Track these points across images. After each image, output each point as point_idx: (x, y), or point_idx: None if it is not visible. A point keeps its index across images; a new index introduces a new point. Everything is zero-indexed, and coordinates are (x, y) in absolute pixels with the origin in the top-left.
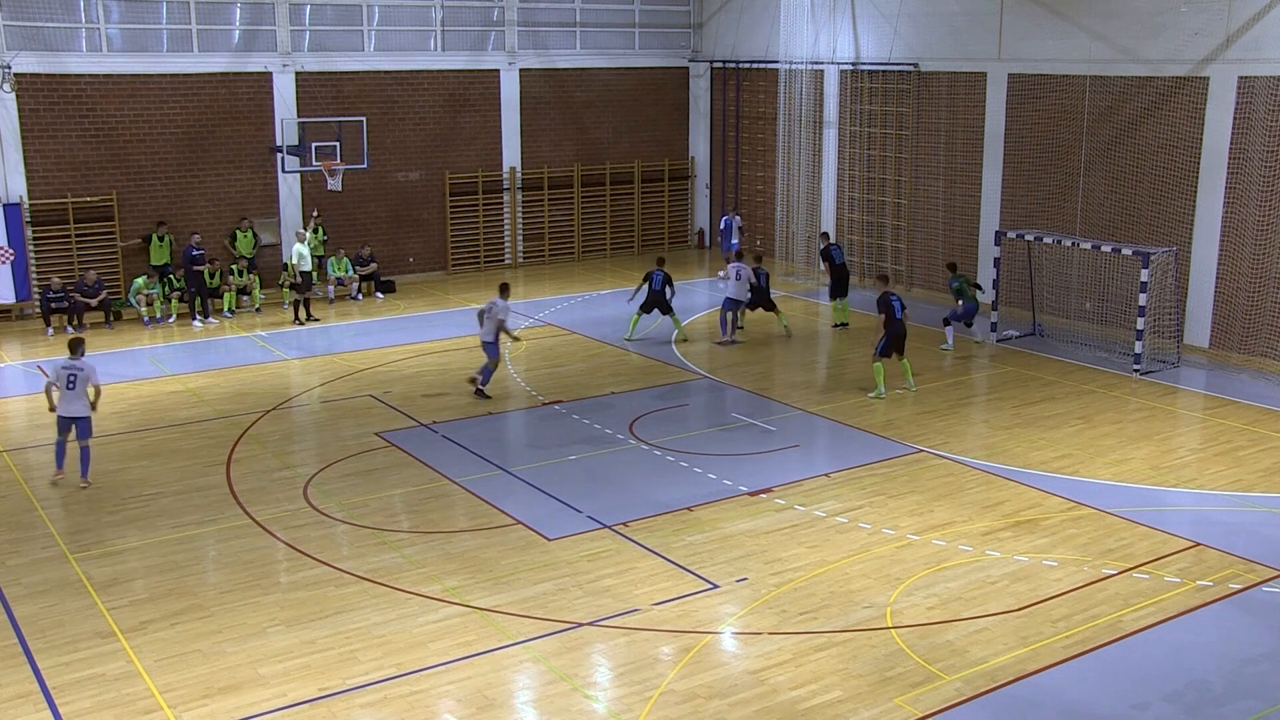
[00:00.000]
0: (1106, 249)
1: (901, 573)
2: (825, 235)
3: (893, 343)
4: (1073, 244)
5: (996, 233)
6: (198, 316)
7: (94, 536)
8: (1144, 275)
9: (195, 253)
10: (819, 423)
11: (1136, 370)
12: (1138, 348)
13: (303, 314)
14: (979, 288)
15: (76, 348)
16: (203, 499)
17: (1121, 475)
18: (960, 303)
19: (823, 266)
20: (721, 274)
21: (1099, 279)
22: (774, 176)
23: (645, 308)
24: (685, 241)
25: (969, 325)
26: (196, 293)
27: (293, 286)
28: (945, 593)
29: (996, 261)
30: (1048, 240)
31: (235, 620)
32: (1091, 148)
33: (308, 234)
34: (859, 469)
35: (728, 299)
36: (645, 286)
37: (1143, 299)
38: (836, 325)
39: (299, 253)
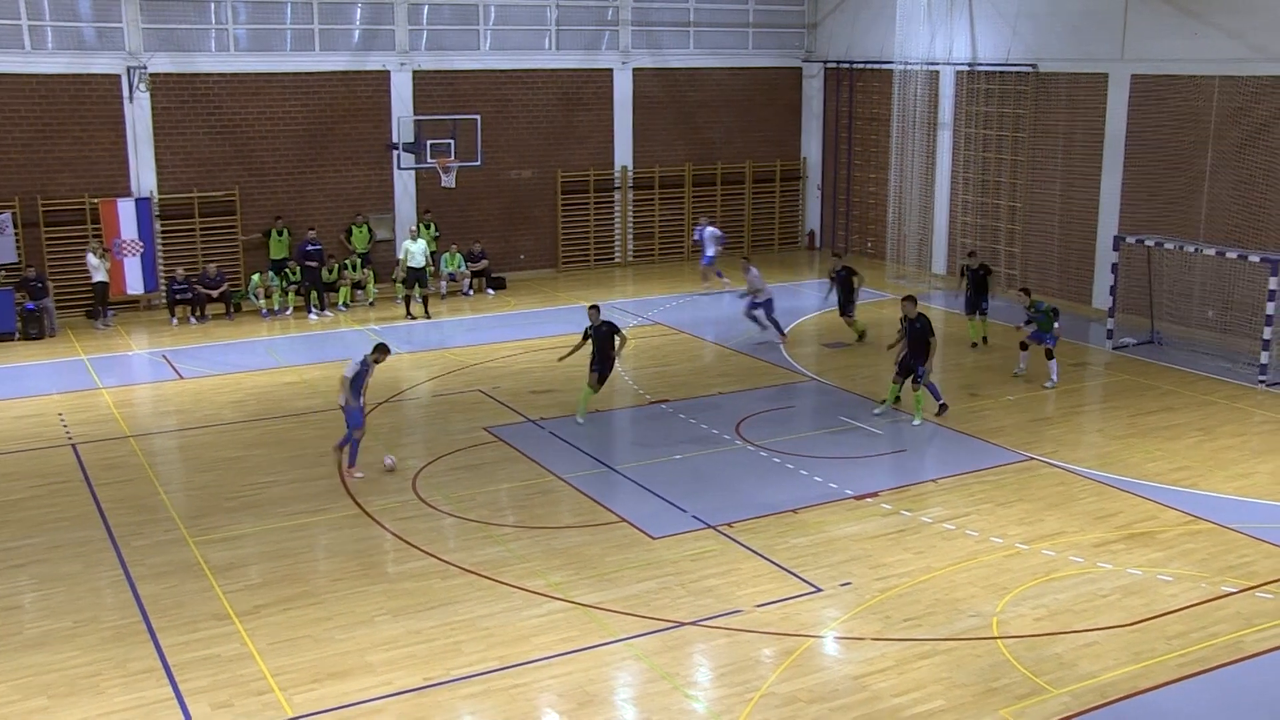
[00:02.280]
0: (1232, 255)
1: (1009, 582)
2: (973, 254)
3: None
4: (1195, 250)
5: (1115, 237)
6: (313, 309)
7: (212, 521)
8: (1272, 283)
9: (309, 248)
10: (927, 427)
11: (1262, 382)
12: (1264, 358)
13: (418, 310)
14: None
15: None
16: (314, 488)
17: (1244, 490)
18: (1036, 328)
19: (963, 284)
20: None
21: (1222, 286)
22: (886, 178)
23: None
24: (796, 243)
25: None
26: (312, 286)
27: (402, 282)
28: (1054, 604)
29: (1114, 267)
30: (1169, 246)
31: (344, 608)
32: (1219, 151)
33: (419, 230)
34: (967, 475)
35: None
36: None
37: (1270, 308)
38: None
39: (407, 249)
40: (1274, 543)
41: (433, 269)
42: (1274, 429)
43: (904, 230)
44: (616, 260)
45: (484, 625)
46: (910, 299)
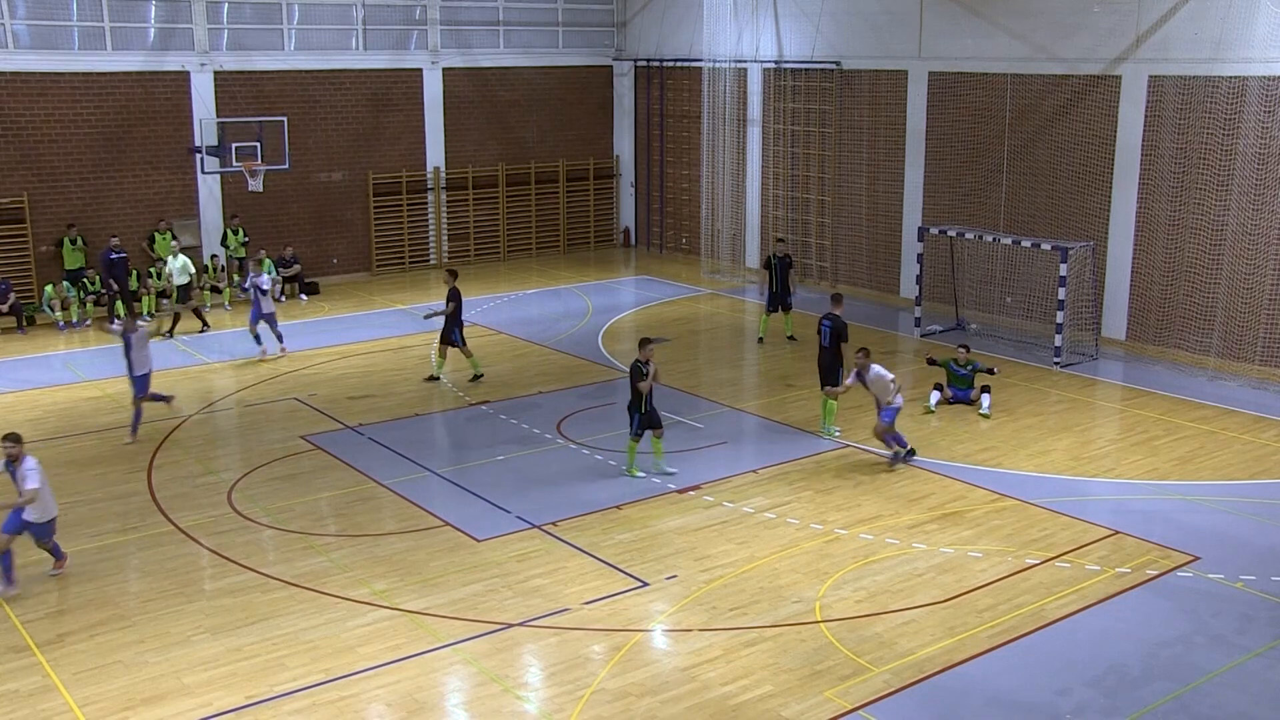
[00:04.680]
0: (1026, 244)
1: (830, 567)
2: (781, 240)
3: (821, 374)
4: (994, 239)
5: (919, 228)
6: (116, 320)
7: None
8: (1063, 269)
9: (113, 256)
10: (747, 419)
11: (1056, 363)
12: (1057, 341)
13: (166, 325)
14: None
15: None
16: (123, 506)
17: (1043, 466)
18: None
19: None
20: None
21: (1020, 273)
22: (699, 175)
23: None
24: (612, 240)
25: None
26: (118, 295)
27: (174, 298)
28: (873, 586)
29: (919, 257)
30: (969, 236)
31: (158, 629)
32: (1011, 144)
33: (230, 234)
34: (787, 464)
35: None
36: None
37: (1062, 293)
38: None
39: (179, 265)
40: (1071, 515)
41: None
42: (1068, 408)
43: (717, 226)
44: (432, 262)
45: (308, 638)
46: (838, 297)
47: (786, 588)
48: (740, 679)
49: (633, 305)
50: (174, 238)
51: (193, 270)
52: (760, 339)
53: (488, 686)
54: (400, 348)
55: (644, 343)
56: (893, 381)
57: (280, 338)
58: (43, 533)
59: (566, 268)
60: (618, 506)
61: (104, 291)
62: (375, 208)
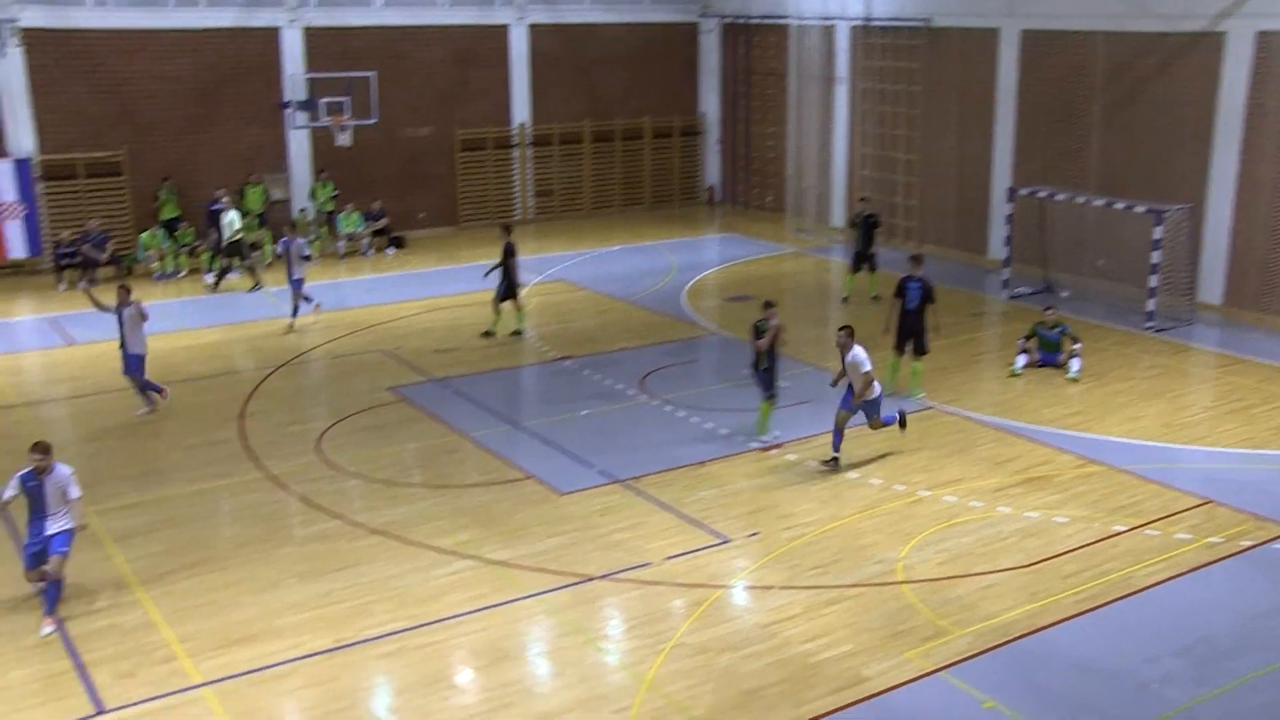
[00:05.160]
0: (1119, 206)
1: (912, 528)
2: (865, 200)
3: (901, 336)
4: (1085, 201)
5: (1009, 189)
6: (211, 271)
7: (110, 489)
8: (1157, 232)
9: (216, 207)
10: (830, 379)
11: (1149, 328)
12: (1150, 305)
13: (244, 282)
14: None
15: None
16: (217, 453)
17: (1133, 432)
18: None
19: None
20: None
21: (1112, 236)
22: (785, 133)
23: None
24: (696, 198)
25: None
26: (219, 246)
27: (222, 252)
28: (956, 548)
29: (1009, 218)
30: (1060, 197)
31: (250, 573)
32: (1105, 104)
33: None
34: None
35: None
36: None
37: (1156, 256)
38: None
39: (228, 220)
40: (1161, 482)
41: (328, 227)
42: (1160, 373)
43: (803, 184)
44: (517, 217)
45: (394, 585)
46: (912, 258)
47: (868, 548)
48: (820, 637)
49: (717, 263)
50: (266, 191)
51: (237, 225)
52: (845, 298)
53: (570, 637)
54: (487, 302)
55: (767, 304)
56: (866, 374)
57: (295, 311)
58: (67, 544)
59: (651, 224)
60: (700, 463)
61: (199, 244)
62: (461, 163)
